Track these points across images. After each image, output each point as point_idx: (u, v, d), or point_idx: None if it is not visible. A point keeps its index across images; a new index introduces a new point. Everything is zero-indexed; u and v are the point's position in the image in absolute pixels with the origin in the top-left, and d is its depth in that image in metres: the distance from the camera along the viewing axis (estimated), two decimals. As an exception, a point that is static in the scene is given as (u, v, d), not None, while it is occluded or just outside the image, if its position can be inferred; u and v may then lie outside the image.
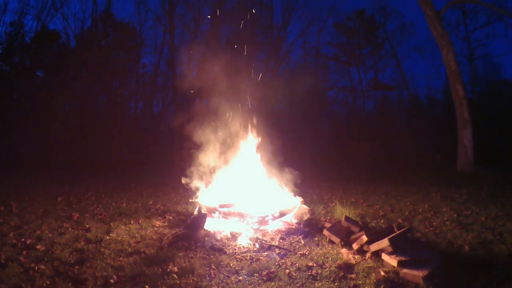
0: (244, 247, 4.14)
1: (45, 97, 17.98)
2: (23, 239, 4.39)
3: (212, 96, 6.47)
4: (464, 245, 4.21)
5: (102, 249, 4.04)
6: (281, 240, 4.37)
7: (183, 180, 5.93)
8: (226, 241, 4.34)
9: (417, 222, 5.34)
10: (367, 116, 26.21)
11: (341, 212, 5.64)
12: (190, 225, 4.60)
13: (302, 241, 4.34)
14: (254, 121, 6.23)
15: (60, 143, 16.91)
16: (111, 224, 5.18)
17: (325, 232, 4.41)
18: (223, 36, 22.57)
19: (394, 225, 4.45)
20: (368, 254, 3.79)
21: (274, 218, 4.96)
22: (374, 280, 3.19)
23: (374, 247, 3.74)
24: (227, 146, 6.16)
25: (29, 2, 21.29)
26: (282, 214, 5.06)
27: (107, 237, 4.51)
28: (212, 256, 3.84)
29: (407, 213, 5.96)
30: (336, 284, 3.17)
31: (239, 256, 3.83)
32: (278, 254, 3.95)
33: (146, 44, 22.96)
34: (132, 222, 5.30)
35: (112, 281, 3.17)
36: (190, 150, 6.06)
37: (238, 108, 6.42)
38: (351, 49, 26.62)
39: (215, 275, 3.34)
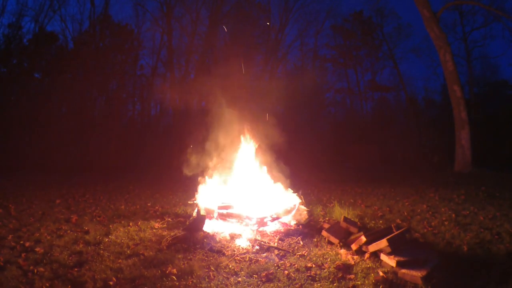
0: (243, 248, 4.14)
1: (42, 99, 17.95)
2: (21, 242, 4.38)
3: (210, 98, 6.48)
4: (463, 245, 4.22)
5: (101, 251, 4.04)
6: (280, 241, 4.37)
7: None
8: (225, 242, 4.34)
9: (416, 223, 5.35)
10: (364, 118, 26.27)
11: (339, 213, 5.65)
12: (189, 227, 4.60)
13: (301, 242, 4.35)
14: (252, 123, 6.24)
15: (57, 145, 16.86)
16: (110, 226, 5.18)
17: (324, 233, 4.42)
18: (220, 38, 22.63)
19: (392, 226, 4.46)
20: (366, 255, 3.80)
21: (273, 219, 4.97)
22: (373, 281, 3.20)
23: (372, 247, 3.75)
24: (226, 148, 6.15)
25: (27, 4, 21.35)
26: (280, 216, 5.07)
27: (106, 239, 4.51)
28: (211, 258, 3.84)
29: (405, 214, 5.98)
30: (335, 284, 3.17)
31: (238, 258, 3.84)
32: (277, 255, 3.96)
33: (143, 46, 23.00)
34: (130, 224, 5.30)
35: (111, 283, 3.17)
36: (188, 152, 6.07)
37: (236, 110, 6.42)
38: (349, 50, 26.77)
39: (214, 276, 3.34)
